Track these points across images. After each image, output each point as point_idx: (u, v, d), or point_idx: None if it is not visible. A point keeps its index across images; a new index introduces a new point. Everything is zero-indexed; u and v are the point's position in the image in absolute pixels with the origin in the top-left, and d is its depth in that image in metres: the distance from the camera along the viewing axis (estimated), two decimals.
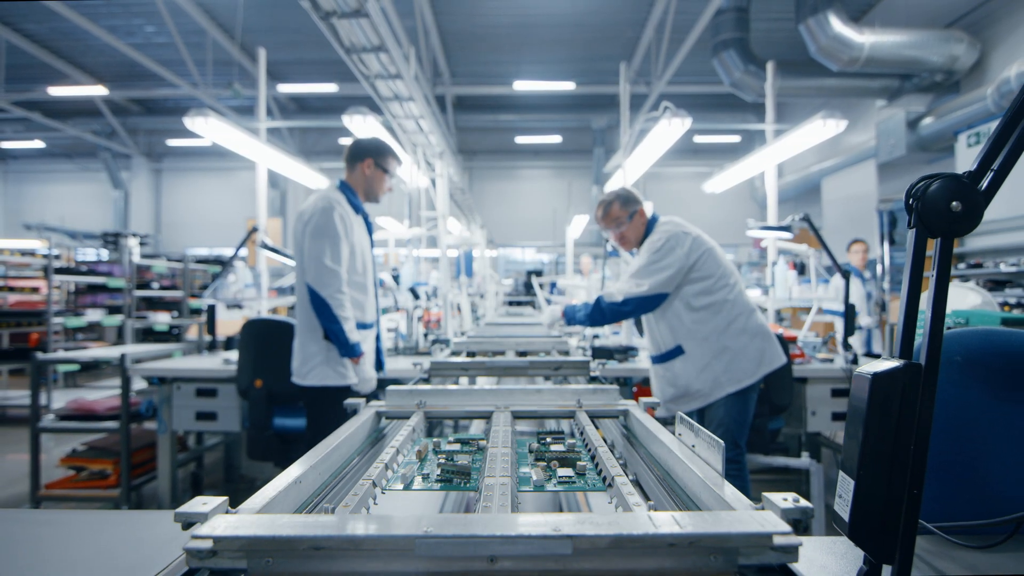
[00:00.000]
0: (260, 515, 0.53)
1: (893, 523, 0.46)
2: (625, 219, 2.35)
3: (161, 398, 2.84)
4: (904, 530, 0.44)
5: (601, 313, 2.25)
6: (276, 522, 0.48)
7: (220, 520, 0.49)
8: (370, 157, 2.41)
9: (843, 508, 0.48)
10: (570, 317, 2.35)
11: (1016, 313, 3.65)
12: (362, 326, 2.38)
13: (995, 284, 5.00)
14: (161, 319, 6.44)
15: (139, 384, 3.12)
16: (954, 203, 0.45)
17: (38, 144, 13.90)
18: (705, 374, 2.20)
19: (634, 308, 2.22)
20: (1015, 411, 0.80)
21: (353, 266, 2.33)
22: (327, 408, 2.29)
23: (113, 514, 0.92)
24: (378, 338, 2.53)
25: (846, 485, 0.48)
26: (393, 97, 3.32)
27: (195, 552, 0.46)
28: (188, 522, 0.49)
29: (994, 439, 0.80)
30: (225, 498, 0.52)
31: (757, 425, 2.47)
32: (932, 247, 0.47)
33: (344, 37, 2.52)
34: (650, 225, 2.38)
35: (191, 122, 2.91)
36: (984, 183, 0.45)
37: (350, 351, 2.25)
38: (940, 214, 0.45)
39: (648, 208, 2.48)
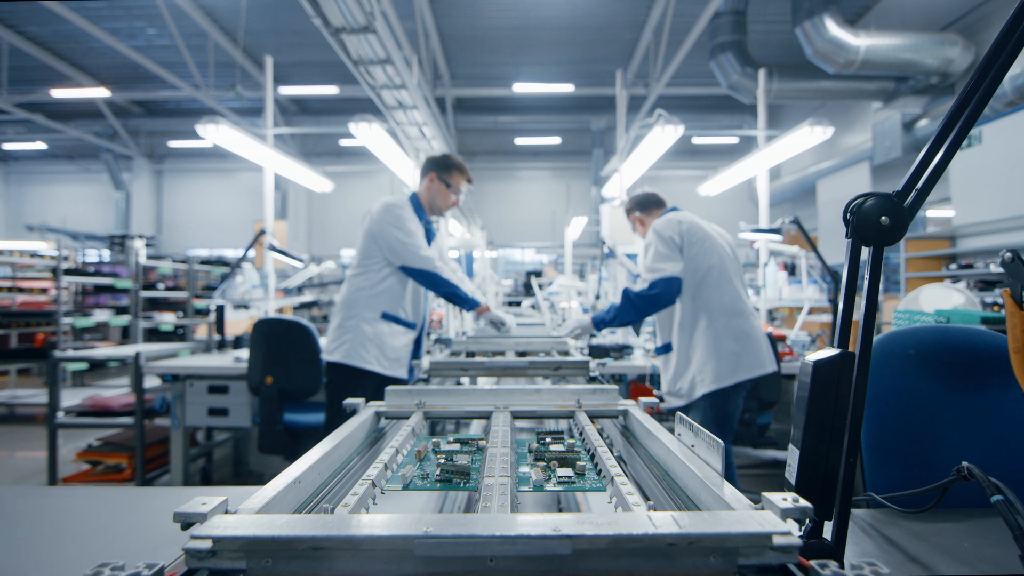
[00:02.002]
0: (259, 515, 0.52)
1: (832, 486, 0.54)
2: (631, 222, 2.62)
3: (175, 395, 2.95)
4: (842, 492, 0.53)
5: (631, 303, 2.23)
6: (275, 522, 0.48)
7: (219, 520, 0.49)
8: (433, 171, 2.51)
9: (791, 475, 0.56)
10: (599, 321, 2.34)
11: (1000, 313, 3.72)
12: (401, 321, 2.46)
13: (985, 284, 5.08)
14: (166, 319, 6.53)
15: (150, 382, 3.21)
16: (883, 218, 0.53)
17: (40, 146, 13.97)
18: (687, 373, 2.24)
19: (662, 290, 2.19)
20: (962, 399, 0.89)
21: None
22: (340, 386, 2.39)
23: (133, 491, 0.99)
24: (418, 343, 2.58)
25: (793, 455, 0.56)
26: (397, 106, 3.40)
27: (194, 552, 0.46)
28: (187, 522, 0.49)
29: (943, 423, 0.90)
30: (224, 498, 0.53)
31: (747, 420, 2.55)
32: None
33: (352, 51, 2.61)
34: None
35: (203, 129, 2.99)
36: (909, 201, 0.54)
37: (473, 304, 2.43)
38: (872, 227, 0.54)
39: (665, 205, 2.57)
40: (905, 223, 0.53)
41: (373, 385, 2.39)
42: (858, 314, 0.53)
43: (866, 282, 0.53)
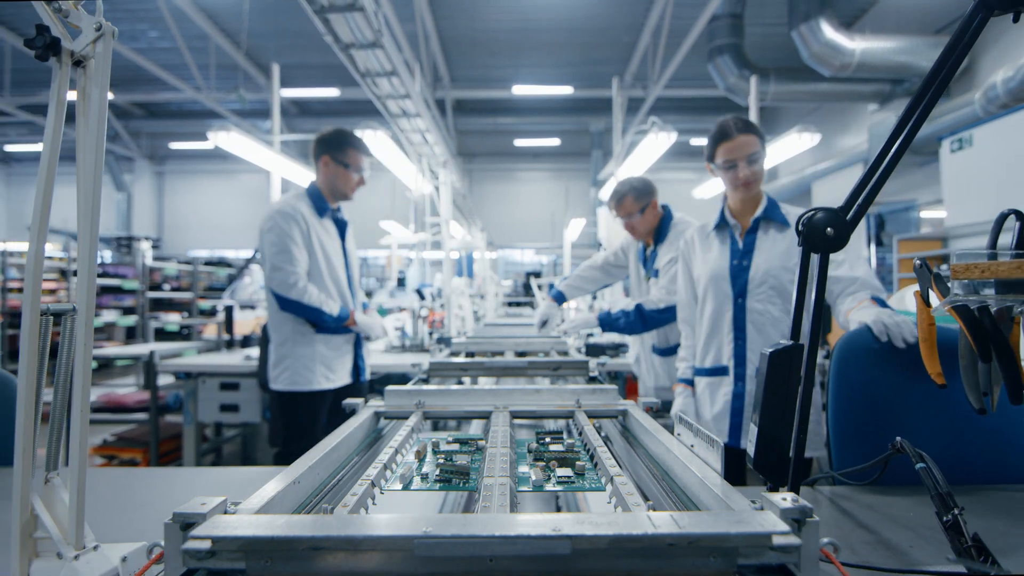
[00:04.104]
0: (258, 515, 0.52)
1: (785, 457, 0.62)
2: (636, 212, 2.41)
3: (187, 391, 3.05)
4: (794, 462, 0.61)
5: (643, 321, 2.27)
6: (274, 522, 0.48)
7: (218, 520, 0.49)
8: (325, 154, 2.27)
9: (751, 448, 0.65)
10: (607, 324, 2.36)
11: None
12: (337, 331, 2.30)
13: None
14: (172, 319, 6.61)
15: (162, 380, 3.31)
16: (829, 229, 0.62)
17: (42, 147, 14.02)
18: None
19: (673, 316, 2.22)
20: (920, 388, 0.99)
21: (317, 271, 2.26)
22: (293, 413, 2.25)
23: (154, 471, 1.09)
24: (358, 344, 2.43)
25: (752, 431, 0.64)
26: (401, 114, 3.50)
27: (193, 552, 0.46)
28: (186, 522, 0.49)
29: (903, 410, 0.99)
30: (223, 498, 0.53)
31: None
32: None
33: (360, 64, 2.71)
34: (665, 222, 2.42)
35: (214, 135, 3.08)
36: (851, 215, 0.63)
37: (339, 322, 2.23)
38: (819, 236, 0.63)
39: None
40: (847, 234, 0.62)
41: (328, 401, 2.29)
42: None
43: (814, 284, 0.62)
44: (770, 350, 0.63)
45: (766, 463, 0.61)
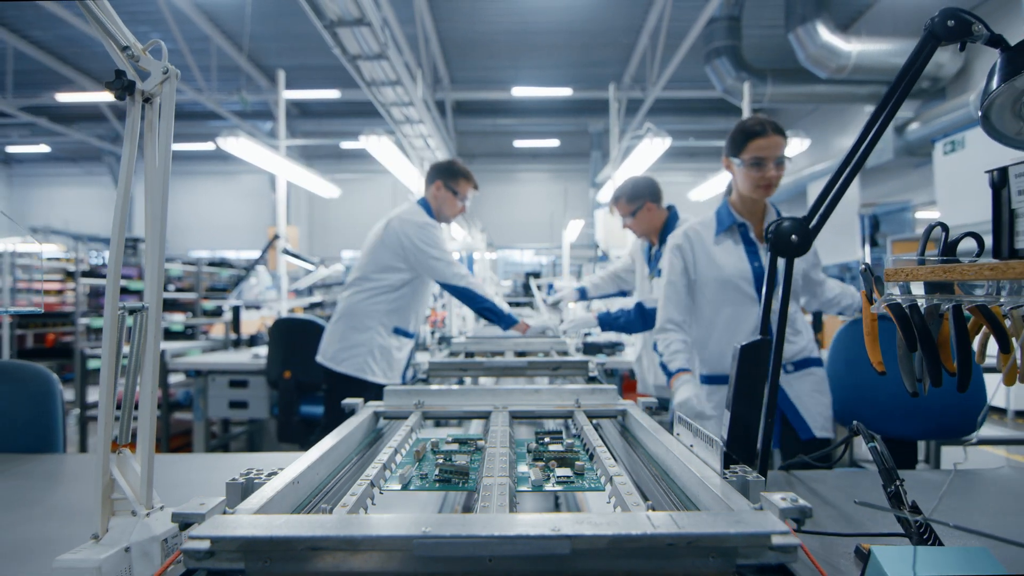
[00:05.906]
0: (257, 515, 0.53)
1: (754, 439, 0.69)
2: (628, 214, 2.48)
3: (197, 389, 3.12)
4: (762, 443, 0.68)
5: (643, 319, 2.31)
6: (273, 522, 0.48)
7: (217, 520, 0.49)
8: (439, 179, 2.51)
9: (724, 432, 0.71)
10: (606, 323, 2.41)
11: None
12: (409, 334, 2.50)
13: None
14: (176, 319, 6.69)
15: (172, 378, 3.39)
16: (793, 236, 0.69)
17: (43, 148, 14.08)
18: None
19: None
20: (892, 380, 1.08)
21: (421, 277, 2.48)
22: (345, 397, 2.42)
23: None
24: (412, 349, 2.64)
25: (725, 417, 0.71)
26: (405, 120, 3.59)
27: (192, 552, 0.46)
28: (185, 522, 0.50)
29: (882, 396, 1.07)
30: (223, 498, 0.54)
31: None
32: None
33: (366, 74, 2.80)
34: (670, 222, 2.47)
35: (223, 141, 3.17)
36: (813, 223, 0.70)
37: (509, 321, 2.36)
38: (785, 243, 0.70)
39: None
40: (809, 240, 0.70)
41: (373, 394, 2.42)
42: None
43: (780, 285, 0.69)
44: (741, 344, 0.70)
45: (738, 445, 0.68)
